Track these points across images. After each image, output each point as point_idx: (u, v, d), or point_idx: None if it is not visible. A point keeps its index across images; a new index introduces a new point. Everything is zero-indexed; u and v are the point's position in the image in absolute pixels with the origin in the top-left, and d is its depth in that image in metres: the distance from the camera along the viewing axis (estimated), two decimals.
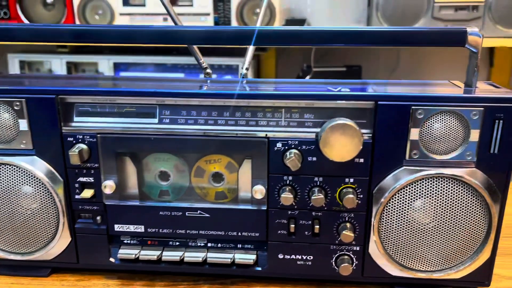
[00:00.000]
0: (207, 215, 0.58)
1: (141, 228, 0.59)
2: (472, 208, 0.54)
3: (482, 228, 0.55)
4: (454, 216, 0.54)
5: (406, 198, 0.54)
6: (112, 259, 0.60)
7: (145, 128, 0.56)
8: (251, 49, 0.64)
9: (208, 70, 0.63)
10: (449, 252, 0.56)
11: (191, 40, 0.57)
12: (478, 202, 0.54)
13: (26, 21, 2.13)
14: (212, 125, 0.55)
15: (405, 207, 0.54)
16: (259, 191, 0.55)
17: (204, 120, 0.55)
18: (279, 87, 0.59)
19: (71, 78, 0.60)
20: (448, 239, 0.55)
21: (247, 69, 0.62)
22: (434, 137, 0.53)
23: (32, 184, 0.57)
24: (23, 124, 0.55)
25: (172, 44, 0.56)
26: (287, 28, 0.55)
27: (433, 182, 0.53)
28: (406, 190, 0.54)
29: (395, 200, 0.54)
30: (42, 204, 0.58)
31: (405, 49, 2.33)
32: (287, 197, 0.54)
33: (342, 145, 0.52)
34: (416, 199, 0.54)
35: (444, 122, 0.52)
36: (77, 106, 0.56)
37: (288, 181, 0.56)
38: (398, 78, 2.35)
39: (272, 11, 1.99)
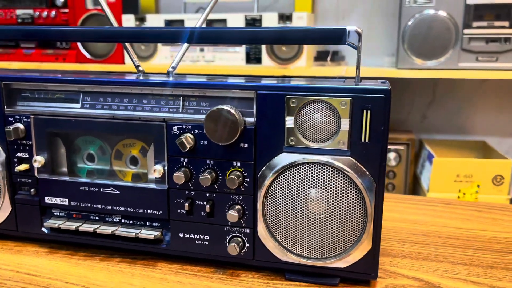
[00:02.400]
0: (118, 192, 0.65)
1: (65, 201, 0.67)
2: (347, 196, 0.56)
3: (358, 216, 0.56)
4: (330, 203, 0.56)
5: (285, 183, 0.57)
6: (43, 229, 0.69)
7: (69, 112, 0.65)
8: (183, 49, 0.72)
9: (141, 68, 0.72)
10: (330, 240, 0.58)
11: (122, 38, 0.66)
12: (352, 190, 0.56)
13: (84, 52, 2.38)
14: (123, 110, 0.63)
15: (284, 192, 0.58)
16: (158, 171, 0.62)
17: (116, 106, 0.63)
18: (190, 80, 0.66)
19: (22, 72, 0.71)
20: (327, 226, 0.57)
21: (173, 67, 0.70)
22: (308, 125, 0.56)
23: None
24: None
25: (108, 42, 0.65)
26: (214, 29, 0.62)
27: (309, 168, 0.57)
28: (285, 175, 0.57)
29: (276, 185, 0.58)
30: None
31: (443, 82, 2.30)
32: (178, 176, 0.60)
33: (220, 127, 0.57)
34: (294, 184, 0.57)
35: (315, 110, 0.56)
36: (19, 91, 0.67)
37: (184, 163, 0.61)
38: (435, 111, 2.31)
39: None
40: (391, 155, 2.09)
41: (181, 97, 0.61)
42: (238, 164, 0.60)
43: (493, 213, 0.84)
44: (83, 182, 0.66)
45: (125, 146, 0.66)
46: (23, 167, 0.67)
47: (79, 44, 2.39)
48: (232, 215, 0.59)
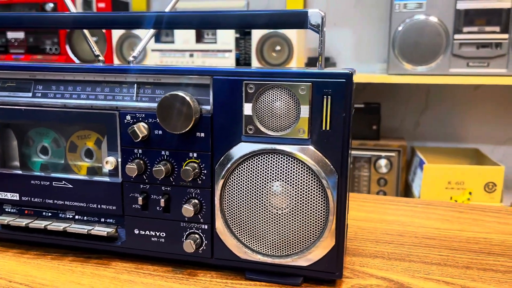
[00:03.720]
0: (70, 186, 0.61)
1: (16, 196, 0.63)
2: (307, 188, 0.52)
3: (319, 210, 0.53)
4: (290, 195, 0.53)
5: (243, 174, 0.54)
6: None
7: (21, 102, 0.61)
8: (145, 39, 0.69)
9: (101, 58, 0.68)
10: (291, 235, 0.54)
11: (85, 23, 0.63)
12: (312, 182, 0.52)
13: (73, 57, 2.36)
14: (75, 99, 0.60)
15: (243, 184, 0.54)
16: (110, 162, 0.58)
17: (69, 94, 0.60)
18: (144, 65, 0.62)
19: None
20: (287, 220, 0.53)
21: (134, 57, 0.66)
22: (267, 112, 0.53)
23: None
24: None
25: (68, 28, 0.62)
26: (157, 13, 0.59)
27: (268, 159, 0.53)
28: (244, 166, 0.54)
29: (234, 177, 0.54)
30: None
31: (435, 89, 2.27)
32: (131, 168, 0.56)
33: (174, 115, 0.53)
34: (252, 176, 0.53)
35: (274, 97, 0.52)
36: None
37: (138, 154, 0.58)
38: (428, 118, 2.28)
39: (290, 48, 2.04)
40: (382, 162, 2.05)
41: (135, 84, 0.58)
42: (195, 155, 0.56)
43: (474, 214, 0.80)
44: (34, 175, 0.62)
45: (80, 137, 0.62)
46: None
47: (68, 49, 2.37)
48: (188, 209, 0.55)
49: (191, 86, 0.56)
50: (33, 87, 0.61)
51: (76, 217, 0.62)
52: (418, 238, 0.70)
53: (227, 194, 0.55)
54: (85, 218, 0.62)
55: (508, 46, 1.86)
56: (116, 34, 2.26)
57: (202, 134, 0.55)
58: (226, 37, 2.15)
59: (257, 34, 2.09)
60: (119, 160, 0.59)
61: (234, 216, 0.55)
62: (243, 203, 0.54)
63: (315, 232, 0.53)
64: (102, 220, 0.62)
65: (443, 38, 1.91)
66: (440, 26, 1.91)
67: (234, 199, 0.55)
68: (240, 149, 0.54)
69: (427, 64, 1.93)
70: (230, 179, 0.54)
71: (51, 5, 2.36)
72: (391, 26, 1.97)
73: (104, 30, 2.30)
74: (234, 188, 0.54)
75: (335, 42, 2.33)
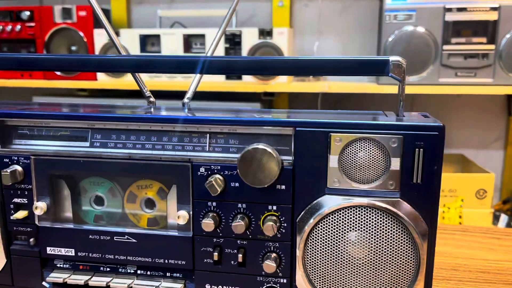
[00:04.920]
0: (134, 240, 0.58)
1: (71, 252, 0.59)
2: (397, 241, 0.51)
3: (410, 263, 0.52)
4: (379, 249, 0.52)
5: (329, 228, 0.52)
6: (44, 283, 0.61)
7: (77, 151, 0.57)
8: (196, 78, 0.66)
9: (152, 99, 0.65)
10: (377, 287, 0.53)
11: (132, 67, 0.60)
12: (402, 235, 0.51)
13: None
14: (140, 149, 0.56)
15: (328, 238, 0.52)
16: (182, 217, 0.55)
17: (132, 144, 0.56)
18: (214, 115, 0.60)
19: (18, 105, 0.63)
20: (376, 273, 0.52)
21: (188, 98, 0.64)
22: (354, 165, 0.51)
23: None
24: None
25: (114, 72, 0.58)
26: (228, 58, 0.57)
27: (355, 212, 0.52)
28: (329, 219, 0.52)
29: (318, 230, 0.53)
30: None
31: (432, 101, 2.32)
32: (207, 223, 0.54)
33: (258, 170, 0.51)
34: (339, 229, 0.52)
35: (363, 149, 0.51)
36: (16, 128, 0.59)
37: (212, 207, 0.55)
38: None
39: (280, 55, 2.03)
40: None
41: (208, 134, 0.55)
42: (274, 208, 0.54)
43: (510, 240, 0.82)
44: (92, 230, 0.58)
45: (140, 187, 0.59)
46: (21, 214, 0.59)
47: None
48: (269, 265, 0.53)
49: (271, 137, 0.53)
50: (91, 136, 0.57)
51: (138, 271, 0.59)
52: (473, 272, 0.70)
53: (310, 248, 0.53)
54: (148, 273, 0.59)
55: (495, 57, 1.92)
56: (99, 43, 2.19)
57: (283, 187, 0.53)
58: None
59: (247, 44, 2.07)
60: (191, 213, 0.56)
61: (316, 269, 0.53)
62: (327, 258, 0.53)
63: (404, 286, 0.52)
64: (168, 274, 0.59)
65: (432, 48, 1.95)
66: (429, 37, 1.94)
67: (317, 253, 0.53)
68: (325, 202, 0.52)
69: (418, 74, 1.97)
70: (314, 232, 0.53)
71: (28, 13, 2.26)
72: (381, 37, 2.00)
73: (85, 38, 2.22)
74: (318, 241, 0.53)
75: (322, 50, 2.34)
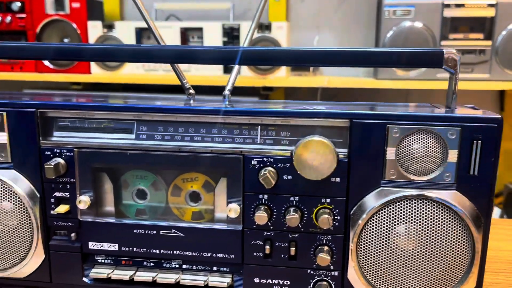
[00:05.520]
0: (182, 234, 0.56)
1: (115, 247, 0.58)
2: (453, 234, 0.51)
3: (465, 255, 0.52)
4: (435, 241, 0.52)
5: (383, 221, 0.52)
6: (85, 279, 0.59)
7: (122, 144, 0.56)
8: (235, 70, 0.65)
9: (191, 91, 0.64)
10: (431, 280, 0.53)
11: (172, 58, 0.58)
12: (459, 227, 0.51)
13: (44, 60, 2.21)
14: (188, 141, 0.55)
15: (383, 230, 0.52)
16: (234, 210, 0.54)
17: (180, 137, 0.55)
18: (259, 106, 0.59)
19: (54, 95, 0.61)
20: (430, 266, 0.52)
21: (229, 90, 0.63)
22: (411, 157, 0.51)
23: (10, 199, 0.57)
24: (3, 137, 0.56)
25: (152, 62, 0.57)
26: (268, 49, 0.56)
27: (412, 204, 0.52)
28: (384, 212, 0.52)
29: (372, 223, 0.52)
30: (18, 219, 0.57)
31: (427, 95, 2.34)
32: (261, 216, 0.53)
33: (316, 162, 0.51)
34: (395, 222, 0.52)
35: (421, 141, 0.51)
36: (56, 120, 0.57)
37: (263, 200, 0.54)
38: None
39: None
40: None
41: (259, 126, 0.54)
42: (328, 200, 0.53)
43: None
44: (137, 224, 0.57)
45: (185, 180, 0.58)
46: (62, 208, 0.57)
47: None
48: (324, 258, 0.53)
49: (325, 129, 0.53)
50: (136, 128, 0.56)
51: (184, 266, 0.58)
52: (504, 263, 0.71)
53: (364, 241, 0.53)
54: (193, 267, 0.58)
55: (491, 53, 1.95)
56: (93, 35, 2.14)
57: (338, 179, 0.53)
58: (213, 40, 2.09)
59: (244, 37, 2.05)
60: (241, 206, 0.55)
61: (370, 263, 0.53)
62: (381, 250, 0.53)
63: (458, 278, 0.53)
64: (214, 268, 0.58)
65: (430, 44, 1.96)
66: (427, 32, 1.96)
67: (371, 246, 0.53)
68: (380, 195, 0.52)
69: (416, 69, 1.98)
70: (368, 225, 0.53)
71: (18, 4, 2.20)
72: (380, 32, 2.01)
73: (79, 31, 2.17)
74: (372, 234, 0.52)
75: (318, 45, 2.34)
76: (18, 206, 0.57)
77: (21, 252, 0.58)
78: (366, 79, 2.08)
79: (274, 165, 0.53)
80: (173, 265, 0.58)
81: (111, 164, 0.57)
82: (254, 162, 0.54)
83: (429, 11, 1.95)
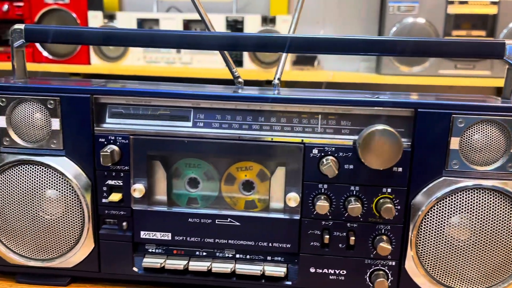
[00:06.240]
0: (238, 223, 0.56)
1: (168, 236, 0.57)
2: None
3: None
4: (497, 230, 0.52)
5: (445, 211, 0.52)
6: (135, 269, 0.58)
7: (179, 131, 0.55)
8: (283, 58, 0.64)
9: (240, 79, 0.63)
10: (490, 269, 0.53)
11: (218, 45, 0.58)
12: None
13: (40, 48, 2.17)
14: (247, 129, 0.54)
15: (444, 220, 0.52)
16: (293, 199, 0.54)
17: (238, 125, 0.54)
18: (315, 94, 0.59)
19: (108, 82, 0.60)
20: (490, 255, 0.53)
21: (279, 79, 0.62)
22: (475, 147, 0.52)
23: (60, 185, 0.55)
24: (55, 124, 0.55)
25: (200, 49, 0.56)
26: (318, 36, 0.56)
27: (474, 194, 0.52)
28: (446, 202, 0.52)
29: (434, 212, 0.53)
30: (68, 207, 0.56)
31: (430, 91, 2.36)
32: (322, 205, 0.53)
33: (383, 151, 0.50)
34: (456, 212, 0.52)
35: (485, 131, 0.51)
36: (111, 107, 0.55)
37: (323, 190, 0.54)
38: None
39: None
40: None
41: (319, 115, 0.54)
42: (389, 190, 0.53)
43: None
44: (192, 213, 0.56)
45: (240, 169, 0.57)
46: (115, 197, 0.56)
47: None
48: (385, 247, 0.53)
49: (388, 118, 0.53)
50: (193, 116, 0.55)
51: (237, 256, 0.57)
52: None
53: (424, 231, 0.53)
54: (247, 256, 0.57)
55: None
56: (94, 25, 2.11)
57: (400, 169, 0.53)
58: None
59: (249, 31, 2.04)
60: (300, 195, 0.54)
61: (429, 253, 0.53)
62: (442, 240, 0.53)
63: None
64: (269, 258, 0.57)
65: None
66: (431, 29, 1.98)
67: (431, 236, 0.53)
68: (442, 185, 0.52)
69: (419, 65, 2.00)
70: (429, 214, 0.53)
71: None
72: (384, 27, 2.02)
73: (79, 20, 2.13)
74: (433, 224, 0.53)
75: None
76: (70, 195, 0.55)
77: (71, 241, 0.57)
78: (369, 75, 2.09)
79: (336, 154, 0.53)
80: (226, 255, 0.57)
81: (166, 152, 0.56)
82: (315, 151, 0.53)
83: (433, 8, 1.96)
